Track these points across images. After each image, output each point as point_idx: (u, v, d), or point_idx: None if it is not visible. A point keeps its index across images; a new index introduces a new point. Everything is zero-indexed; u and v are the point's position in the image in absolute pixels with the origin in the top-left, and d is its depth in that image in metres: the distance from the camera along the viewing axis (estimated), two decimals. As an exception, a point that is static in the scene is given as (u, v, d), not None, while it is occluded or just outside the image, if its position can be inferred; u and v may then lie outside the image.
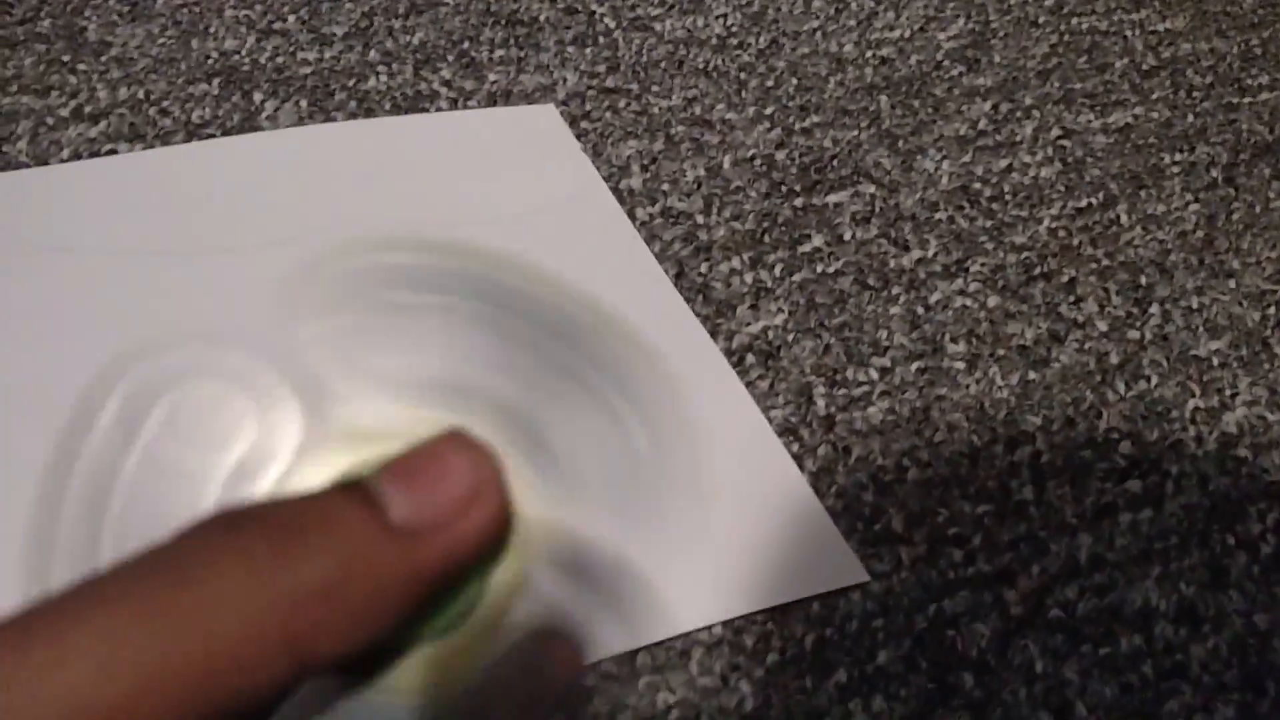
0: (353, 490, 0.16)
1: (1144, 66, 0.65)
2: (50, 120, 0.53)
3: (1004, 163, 0.57)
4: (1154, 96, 0.63)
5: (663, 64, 0.61)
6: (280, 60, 0.58)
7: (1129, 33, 0.68)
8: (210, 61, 0.57)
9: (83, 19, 0.58)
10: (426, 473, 0.16)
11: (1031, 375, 0.47)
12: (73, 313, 0.44)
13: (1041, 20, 0.68)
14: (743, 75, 0.61)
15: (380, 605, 0.15)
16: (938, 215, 0.54)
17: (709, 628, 0.37)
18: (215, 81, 0.56)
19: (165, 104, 0.55)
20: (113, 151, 0.52)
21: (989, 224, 0.54)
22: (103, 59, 0.57)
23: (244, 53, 0.58)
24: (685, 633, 0.37)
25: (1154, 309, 0.51)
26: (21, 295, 0.45)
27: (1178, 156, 0.59)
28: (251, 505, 0.16)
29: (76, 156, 0.51)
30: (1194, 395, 0.47)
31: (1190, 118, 0.62)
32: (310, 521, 0.15)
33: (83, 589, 0.14)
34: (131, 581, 0.14)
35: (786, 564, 0.39)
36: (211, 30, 0.59)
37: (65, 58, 0.56)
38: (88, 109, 0.54)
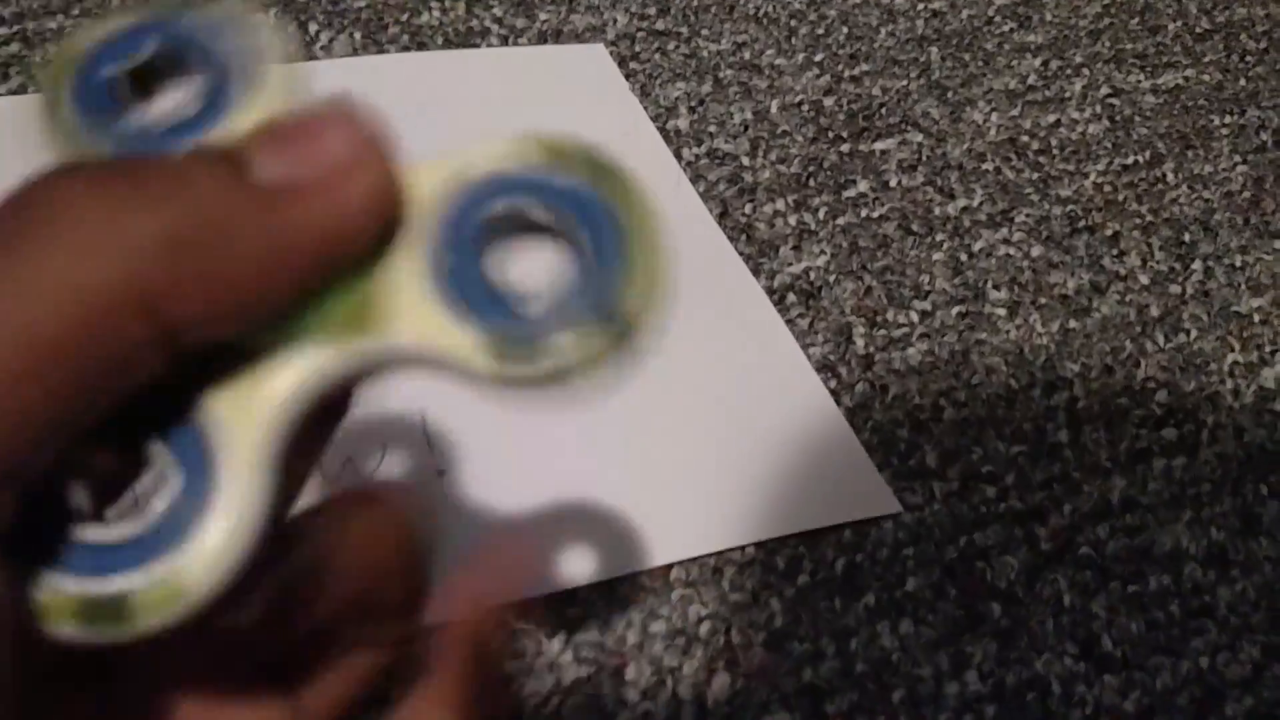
0: (216, 150, 0.14)
1: (1197, 29, 0.65)
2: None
3: (1052, 118, 0.57)
4: (1206, 59, 0.63)
5: (713, 8, 0.61)
6: (336, -8, 0.58)
7: (1184, -4, 0.67)
8: (268, -9, 0.58)
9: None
10: (300, 133, 0.14)
11: (1072, 324, 0.47)
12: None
13: (1095, -19, 0.67)
14: (793, 22, 0.61)
15: (242, 274, 0.13)
16: (984, 166, 0.54)
17: (742, 547, 0.38)
18: (272, 11, 0.57)
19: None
20: None
21: (1035, 176, 0.54)
22: (164, -15, 0.58)
23: (301, -16, 0.59)
24: (719, 551, 0.38)
25: (1196, 265, 0.51)
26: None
27: (1227, 119, 0.59)
28: (82, 160, 0.14)
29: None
30: (1233, 350, 0.47)
31: (1242, 81, 0.62)
32: (158, 171, 0.13)
33: None
34: None
35: (820, 492, 0.40)
36: (270, -39, 0.60)
37: (127, -17, 0.57)
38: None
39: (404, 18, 0.58)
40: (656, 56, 0.57)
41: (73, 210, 0.13)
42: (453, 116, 0.53)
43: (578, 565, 0.36)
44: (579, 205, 0.16)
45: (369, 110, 0.15)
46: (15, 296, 0.12)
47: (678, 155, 0.52)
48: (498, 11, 0.59)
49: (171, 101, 0.16)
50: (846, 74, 0.58)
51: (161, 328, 0.13)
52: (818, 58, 0.59)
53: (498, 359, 0.15)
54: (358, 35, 0.56)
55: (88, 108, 0.16)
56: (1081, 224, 0.52)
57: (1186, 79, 0.61)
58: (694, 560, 0.38)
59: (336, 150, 0.14)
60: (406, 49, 0.56)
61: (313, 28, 0.56)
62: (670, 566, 0.37)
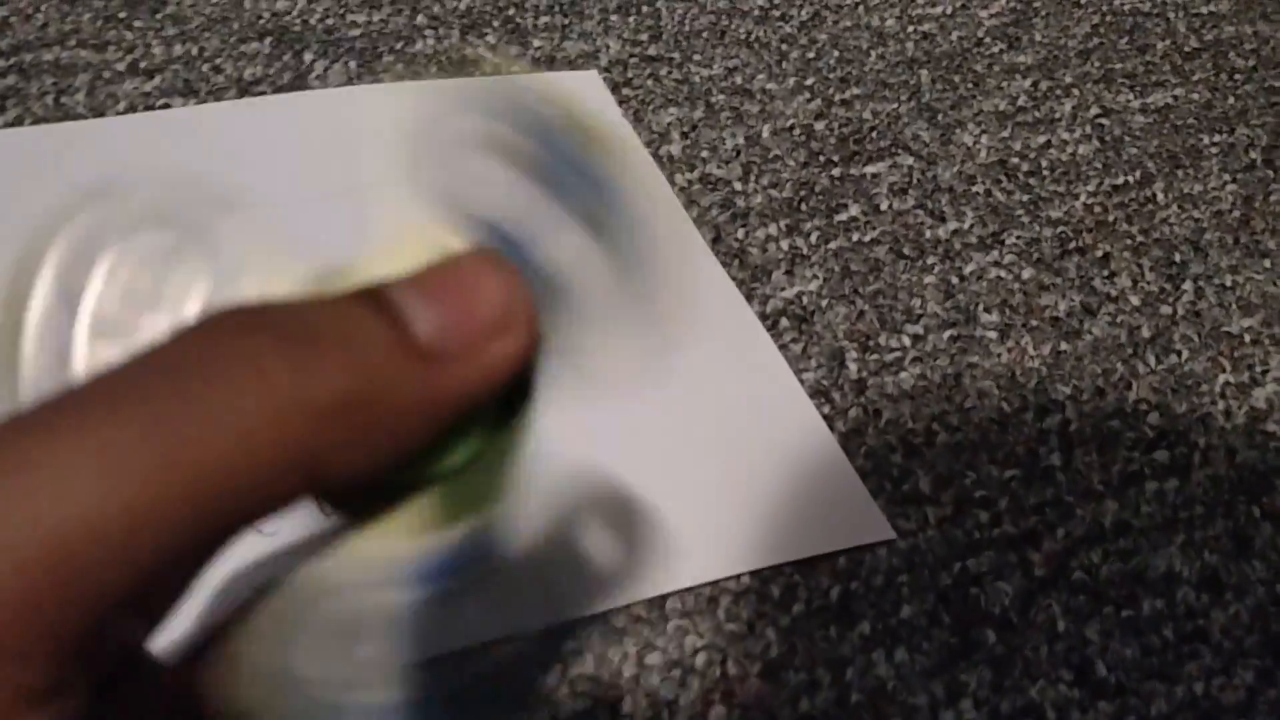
0: (374, 300, 0.14)
1: (1186, 48, 0.65)
2: (107, 74, 0.54)
3: (1042, 139, 0.58)
4: (1195, 78, 0.63)
5: (704, 34, 0.61)
6: (330, 22, 0.59)
7: (1172, 15, 0.68)
8: (262, 21, 0.58)
9: (139, -23, 0.60)
10: (456, 289, 0.15)
11: (1063, 346, 0.48)
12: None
13: (1083, 0, 0.68)
14: (784, 46, 0.61)
15: (398, 429, 0.14)
16: (975, 188, 0.54)
17: (737, 577, 0.38)
18: (267, 41, 0.57)
19: (218, 61, 0.56)
20: (166, 105, 0.53)
21: (1025, 198, 0.54)
22: (158, 16, 0.58)
23: (295, 13, 0.59)
24: (714, 581, 0.38)
25: (1187, 285, 0.51)
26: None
27: (1216, 138, 0.59)
28: (262, 306, 0.14)
29: (132, 109, 0.53)
30: (1224, 370, 0.48)
31: (1231, 100, 0.62)
32: (327, 330, 0.14)
33: (77, 397, 0.12)
34: (131, 388, 0.12)
35: (814, 519, 0.40)
36: (263, -9, 0.60)
37: (122, 14, 0.58)
38: (143, 64, 0.55)
39: (399, 46, 0.58)
40: (649, 82, 0.58)
41: (256, 362, 0.13)
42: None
43: (572, 598, 0.37)
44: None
45: (510, 264, 0.15)
46: (194, 438, 0.12)
47: (670, 181, 0.53)
48: (491, 39, 0.59)
49: None
50: (837, 97, 0.58)
51: (312, 479, 0.13)
52: (808, 82, 0.59)
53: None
54: (353, 64, 0.57)
55: None
56: (1072, 245, 0.52)
57: (1175, 98, 0.62)
58: (689, 590, 0.38)
59: (489, 310, 0.15)
60: (401, 78, 0.57)
61: (308, 57, 0.57)
62: (666, 597, 0.38)
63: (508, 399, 0.16)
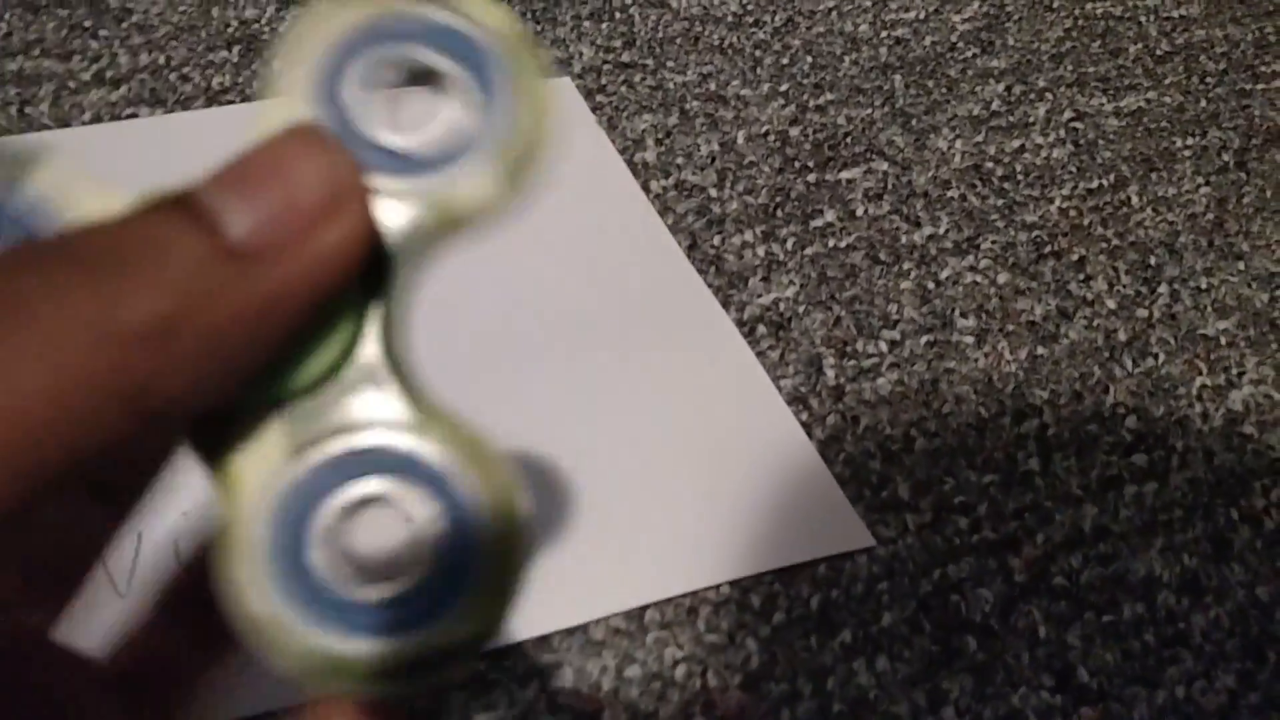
0: (180, 207, 0.13)
1: (1158, 52, 0.66)
2: (72, 84, 0.53)
3: (1016, 143, 0.58)
4: (1167, 81, 0.63)
5: (678, 40, 0.61)
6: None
7: (1143, 18, 0.68)
8: (230, 30, 0.58)
9: (105, -14, 0.59)
10: (268, 177, 0.14)
11: (1040, 350, 0.47)
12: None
13: (1056, 4, 0.68)
14: (758, 52, 0.61)
15: (226, 343, 0.13)
16: (950, 193, 0.54)
17: (716, 587, 0.38)
18: (235, 49, 0.57)
19: (185, 70, 0.55)
20: (133, 115, 0.52)
21: (1000, 202, 0.54)
22: (124, 25, 0.57)
23: (264, 21, 0.58)
24: (693, 591, 0.38)
25: (1163, 288, 0.51)
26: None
27: (1189, 141, 0.60)
28: (63, 235, 0.13)
29: (97, 120, 0.52)
30: (1201, 373, 0.48)
31: (1203, 103, 0.62)
32: (132, 249, 0.13)
33: None
34: None
35: (793, 528, 0.40)
36: (232, -1, 0.59)
37: (87, 23, 0.57)
38: (109, 73, 0.54)
39: (368, 54, 0.58)
40: (623, 89, 0.57)
41: (57, 296, 0.12)
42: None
43: (549, 611, 0.36)
44: (459, 43, 0.15)
45: (332, 137, 0.14)
46: (4, 383, 0.12)
47: (645, 188, 0.52)
48: (462, 46, 0.59)
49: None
50: (812, 103, 0.58)
51: (141, 408, 0.13)
52: (783, 88, 0.59)
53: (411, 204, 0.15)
54: (321, 72, 0.56)
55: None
56: (1047, 249, 0.52)
57: (1148, 101, 0.62)
58: (669, 601, 0.37)
59: (310, 192, 0.13)
60: (371, 85, 0.56)
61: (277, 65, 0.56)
62: (645, 608, 0.37)
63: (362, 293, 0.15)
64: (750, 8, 0.64)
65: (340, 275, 0.14)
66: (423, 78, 0.15)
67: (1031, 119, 0.59)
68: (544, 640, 0.36)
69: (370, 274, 0.15)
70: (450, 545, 0.14)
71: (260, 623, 0.14)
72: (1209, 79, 0.64)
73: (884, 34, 0.63)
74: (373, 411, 0.15)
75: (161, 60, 0.55)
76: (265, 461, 0.14)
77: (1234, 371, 0.48)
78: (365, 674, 0.14)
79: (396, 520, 0.14)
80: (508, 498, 0.15)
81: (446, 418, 0.15)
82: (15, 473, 0.12)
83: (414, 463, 0.15)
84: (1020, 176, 0.56)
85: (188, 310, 0.13)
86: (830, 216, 0.52)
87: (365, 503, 0.14)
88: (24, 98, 0.52)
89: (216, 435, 0.15)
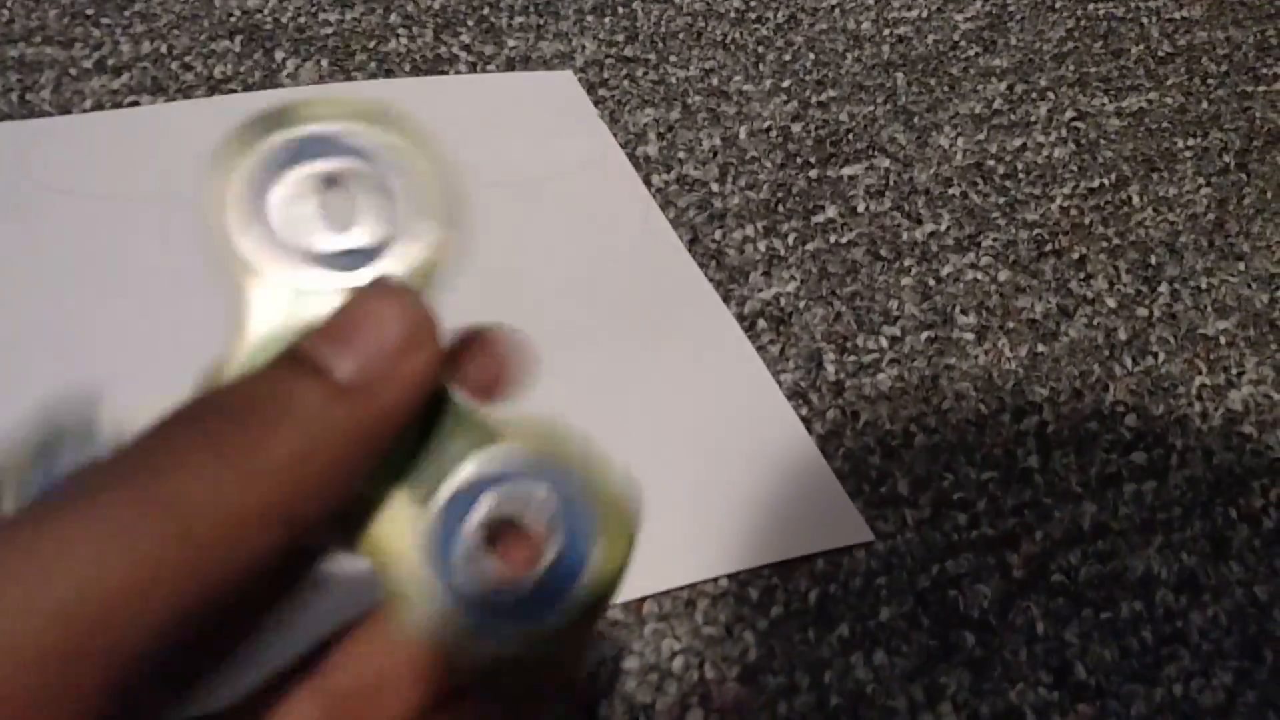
0: (296, 361, 0.16)
1: (1159, 53, 0.66)
2: (73, 71, 0.53)
3: (1018, 142, 0.58)
4: (1169, 82, 0.63)
5: (681, 35, 0.61)
6: (302, 20, 0.58)
7: (1145, 20, 0.68)
8: (233, 19, 0.58)
9: (107, -26, 0.59)
10: (360, 327, 0.17)
11: (1040, 348, 0.47)
12: (91, 254, 0.45)
13: (1058, 5, 0.68)
14: (760, 49, 0.61)
15: (349, 462, 0.16)
16: (951, 191, 0.54)
17: (715, 580, 0.38)
18: (237, 39, 0.56)
19: (188, 59, 0.55)
20: (135, 103, 0.52)
21: (1002, 200, 0.54)
22: (126, 13, 0.57)
23: (266, 11, 0.58)
24: (691, 584, 0.38)
25: (1163, 288, 0.51)
26: (42, 236, 0.45)
27: (1191, 141, 0.60)
28: (205, 394, 0.16)
29: (99, 107, 0.52)
30: (1200, 372, 0.48)
31: (1204, 104, 0.62)
32: (266, 398, 0.16)
33: (69, 492, 0.15)
34: (112, 477, 0.15)
35: (793, 522, 0.40)
36: (234, -11, 0.59)
37: (89, 11, 0.57)
38: (110, 61, 0.54)
39: (371, 45, 0.57)
40: (625, 83, 0.57)
41: (215, 443, 0.15)
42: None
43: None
44: (359, 148, 0.18)
45: (405, 284, 0.17)
46: (177, 514, 0.14)
47: (647, 182, 0.52)
48: (466, 38, 0.59)
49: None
50: (814, 99, 0.58)
51: (289, 527, 0.15)
52: (785, 84, 0.59)
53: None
54: (324, 63, 0.56)
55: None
56: (1048, 247, 0.52)
57: (1150, 102, 0.62)
58: (667, 593, 0.37)
59: (395, 333, 0.17)
60: (374, 76, 0.56)
61: (279, 55, 0.56)
62: (643, 600, 0.37)
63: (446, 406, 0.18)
64: (753, 4, 0.64)
65: (425, 393, 0.17)
66: (331, 182, 0.18)
67: (1033, 118, 0.59)
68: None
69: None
70: (569, 530, 0.18)
71: (446, 648, 0.17)
72: (1210, 80, 0.64)
73: (886, 32, 0.63)
74: (460, 451, 0.18)
75: (163, 49, 0.55)
76: (402, 522, 0.17)
77: (1233, 371, 0.48)
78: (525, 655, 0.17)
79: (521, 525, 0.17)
80: (602, 471, 0.18)
81: (518, 422, 0.18)
82: (199, 588, 0.15)
83: (514, 473, 0.18)
84: (1021, 175, 0.56)
85: (317, 441, 0.16)
86: (832, 212, 0.52)
87: (490, 521, 0.17)
88: (25, 84, 0.52)
89: (353, 525, 0.17)
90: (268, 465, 0.15)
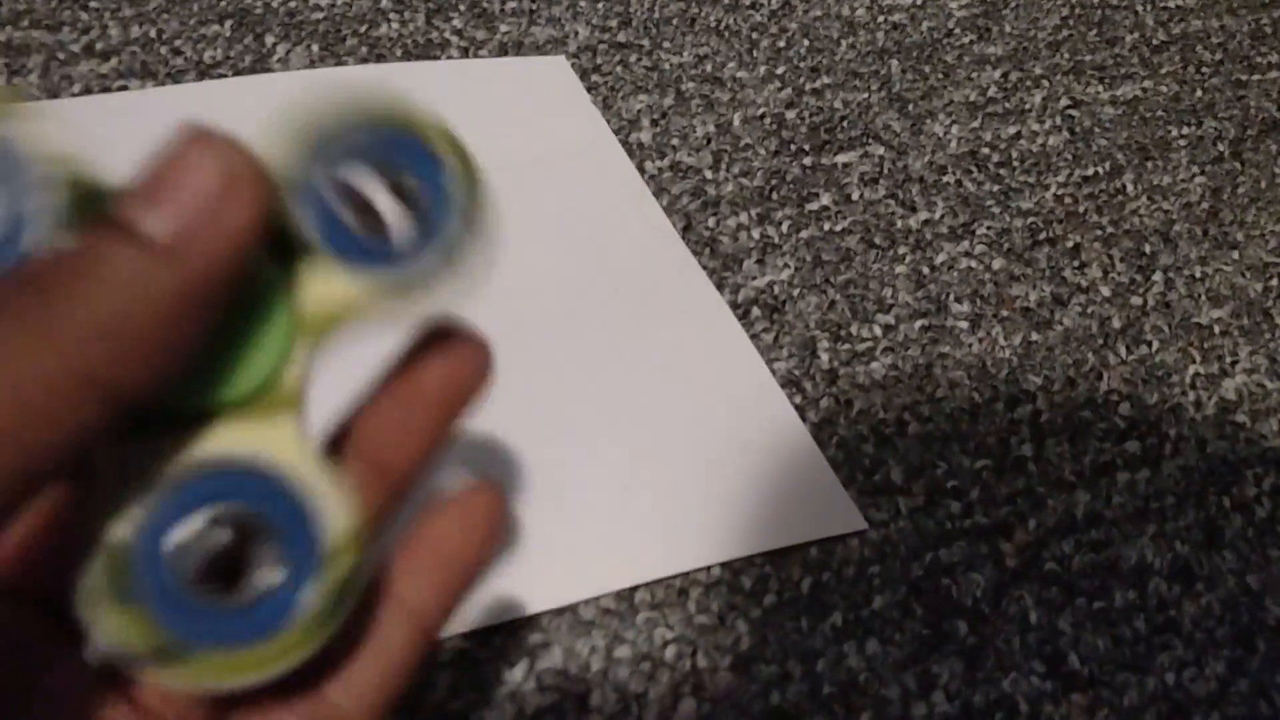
0: (105, 224, 0.16)
1: (1154, 41, 0.65)
2: (61, 55, 0.53)
3: (1012, 130, 0.58)
4: (1163, 71, 0.63)
5: (674, 20, 0.61)
6: (293, 4, 0.58)
7: (1140, 7, 0.68)
8: (223, 3, 0.57)
9: (95, -43, 0.58)
10: (174, 179, 0.16)
11: (1034, 336, 0.47)
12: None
13: (1054, -8, 0.68)
14: (754, 35, 0.60)
15: (168, 326, 0.15)
16: (945, 179, 0.54)
17: (707, 568, 0.38)
18: (227, 23, 0.56)
19: (177, 43, 0.54)
20: (124, 88, 0.52)
21: (996, 189, 0.54)
22: (114, -3, 0.56)
23: (256, -5, 0.58)
24: (684, 572, 0.37)
25: (1157, 276, 0.51)
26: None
27: (1185, 130, 0.59)
28: (12, 271, 0.16)
29: (87, 91, 0.51)
30: (1194, 361, 0.48)
31: (1199, 93, 0.62)
32: (72, 268, 0.15)
33: None
34: None
35: (786, 510, 0.40)
36: (224, -28, 0.59)
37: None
38: (99, 45, 0.54)
39: (362, 29, 0.57)
40: (618, 69, 0.57)
41: (23, 318, 0.15)
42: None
43: (539, 590, 0.36)
44: (408, 154, 0.19)
45: (214, 125, 0.17)
46: None
47: (640, 169, 0.52)
48: (458, 23, 0.58)
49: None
50: (808, 86, 0.58)
51: (107, 395, 0.15)
52: (779, 70, 0.58)
53: (386, 300, 0.18)
54: (315, 47, 0.55)
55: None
56: (1043, 236, 0.52)
57: (1144, 90, 0.62)
58: (659, 582, 0.37)
59: (209, 181, 0.16)
60: (365, 61, 0.55)
61: (269, 40, 0.55)
62: (635, 589, 0.37)
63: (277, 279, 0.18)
64: (747, -10, 0.64)
65: (248, 247, 0.16)
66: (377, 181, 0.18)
67: (1028, 106, 0.59)
68: (533, 620, 0.35)
69: (276, 288, 0.18)
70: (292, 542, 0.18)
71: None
72: (1205, 69, 0.64)
73: (880, 19, 0.63)
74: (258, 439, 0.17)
75: (152, 33, 0.55)
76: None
77: (1227, 360, 0.48)
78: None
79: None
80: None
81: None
82: (14, 465, 0.14)
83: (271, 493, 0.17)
84: (1016, 163, 0.56)
85: (129, 305, 0.15)
86: (826, 200, 0.52)
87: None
88: (13, 68, 0.52)
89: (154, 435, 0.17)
90: (74, 331, 0.15)
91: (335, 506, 0.18)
